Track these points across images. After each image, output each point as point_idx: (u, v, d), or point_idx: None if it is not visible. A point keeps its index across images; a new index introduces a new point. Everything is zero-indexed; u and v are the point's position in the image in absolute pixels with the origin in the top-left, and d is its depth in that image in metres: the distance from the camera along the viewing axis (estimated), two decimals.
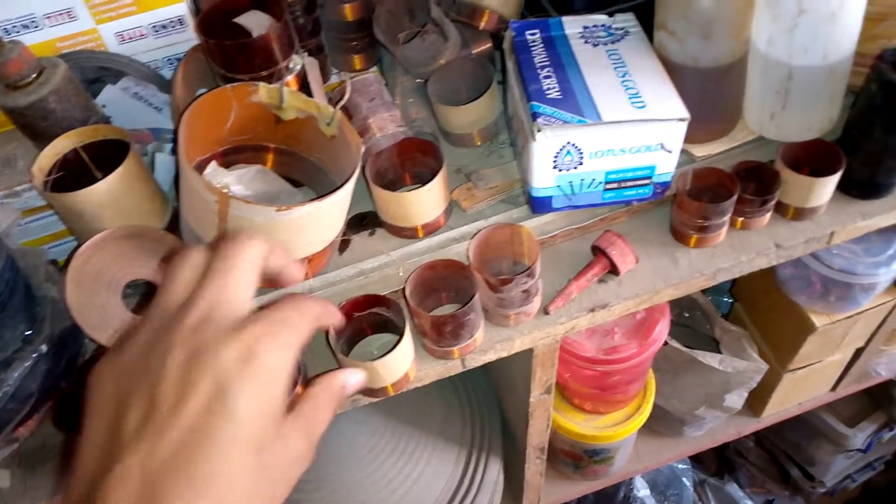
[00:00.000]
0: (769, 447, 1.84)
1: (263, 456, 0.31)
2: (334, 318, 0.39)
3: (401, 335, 0.59)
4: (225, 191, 0.64)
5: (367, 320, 0.66)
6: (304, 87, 0.69)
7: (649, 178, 0.69)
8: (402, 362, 0.62)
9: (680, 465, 1.62)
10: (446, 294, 0.69)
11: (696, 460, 1.75)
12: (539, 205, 0.70)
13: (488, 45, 0.83)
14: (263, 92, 0.65)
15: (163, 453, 0.29)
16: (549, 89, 0.66)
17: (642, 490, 1.55)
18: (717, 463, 1.83)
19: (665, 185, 0.70)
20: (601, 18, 0.75)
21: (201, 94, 0.64)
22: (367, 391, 0.63)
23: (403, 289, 0.62)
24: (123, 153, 0.63)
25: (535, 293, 0.65)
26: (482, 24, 0.81)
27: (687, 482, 1.62)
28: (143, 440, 0.30)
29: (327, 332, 0.60)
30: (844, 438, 1.61)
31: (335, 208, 0.63)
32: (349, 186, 0.62)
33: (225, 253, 0.35)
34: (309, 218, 0.61)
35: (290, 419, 0.34)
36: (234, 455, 0.30)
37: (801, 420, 1.64)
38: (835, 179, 0.70)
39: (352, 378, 0.39)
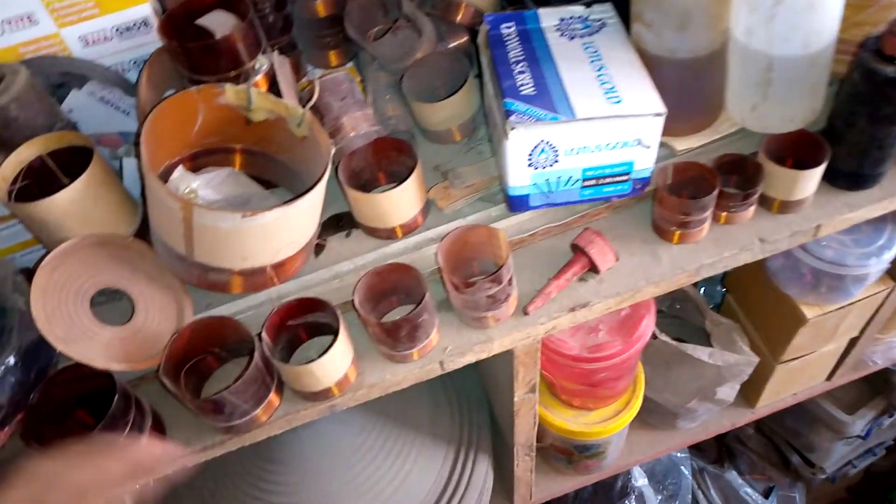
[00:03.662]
0: (769, 434, 1.83)
1: None
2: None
3: (335, 336, 0.59)
4: (191, 196, 0.63)
5: (303, 326, 0.65)
6: (275, 86, 0.68)
7: (628, 174, 0.67)
8: (339, 363, 0.61)
9: (678, 454, 1.61)
10: (397, 297, 0.68)
11: (696, 448, 1.74)
12: (516, 203, 0.69)
13: (464, 39, 0.81)
14: (230, 93, 0.63)
15: None
16: (523, 85, 0.65)
17: (640, 479, 1.54)
18: (717, 450, 1.82)
19: (645, 181, 0.69)
20: (578, 10, 0.73)
21: (166, 98, 0.63)
22: (310, 395, 0.63)
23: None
24: (90, 160, 0.62)
25: (505, 299, 0.64)
26: (458, 18, 0.80)
27: (685, 470, 1.61)
28: None
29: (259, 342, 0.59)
30: (844, 425, 1.60)
31: (304, 212, 0.62)
32: (318, 190, 0.61)
33: None
34: (277, 223, 0.59)
35: None
36: None
37: (800, 407, 1.62)
38: (819, 171, 0.68)
39: None
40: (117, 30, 0.67)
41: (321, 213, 0.67)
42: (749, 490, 1.73)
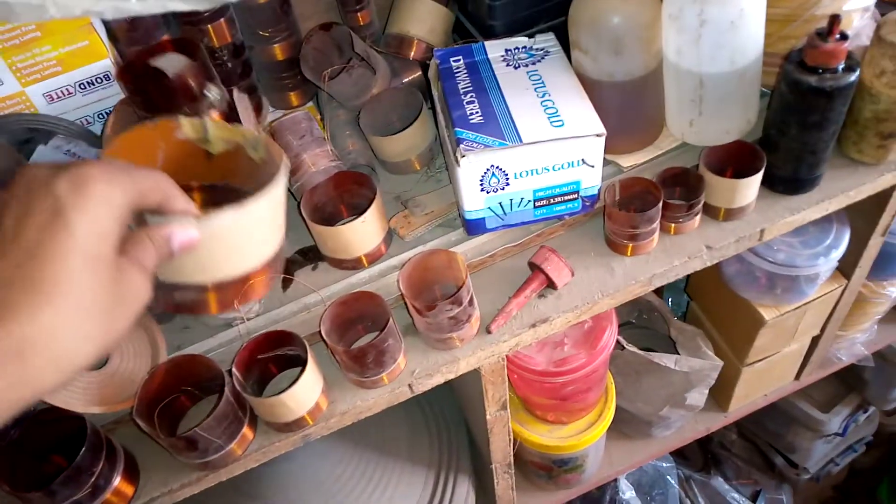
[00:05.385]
0: (751, 438, 1.86)
1: (103, 277, 0.35)
2: (161, 195, 0.41)
3: (303, 366, 0.61)
4: None
5: (274, 360, 0.67)
6: (237, 120, 0.70)
7: (576, 192, 0.70)
8: (309, 392, 0.63)
9: (664, 464, 1.63)
10: (363, 326, 0.71)
11: (682, 456, 1.76)
12: (473, 227, 0.72)
13: (418, 74, 0.84)
14: (187, 126, 0.64)
15: (6, 269, 0.33)
16: (472, 114, 0.68)
17: (627, 492, 1.55)
18: (703, 458, 1.84)
19: (593, 198, 0.72)
20: (522, 41, 0.77)
21: (118, 136, 0.64)
22: (283, 426, 0.65)
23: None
24: None
25: (467, 319, 0.66)
26: (411, 54, 0.83)
27: (672, 480, 1.62)
28: None
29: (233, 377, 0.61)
30: (820, 424, 1.63)
31: (264, 219, 0.61)
32: (275, 190, 0.60)
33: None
34: (238, 226, 0.58)
35: (124, 258, 0.37)
36: (75, 263, 0.34)
37: (777, 409, 1.66)
38: (757, 179, 0.72)
39: (179, 231, 0.42)
40: (80, 85, 0.69)
41: (287, 248, 0.69)
42: (736, 495, 1.74)
